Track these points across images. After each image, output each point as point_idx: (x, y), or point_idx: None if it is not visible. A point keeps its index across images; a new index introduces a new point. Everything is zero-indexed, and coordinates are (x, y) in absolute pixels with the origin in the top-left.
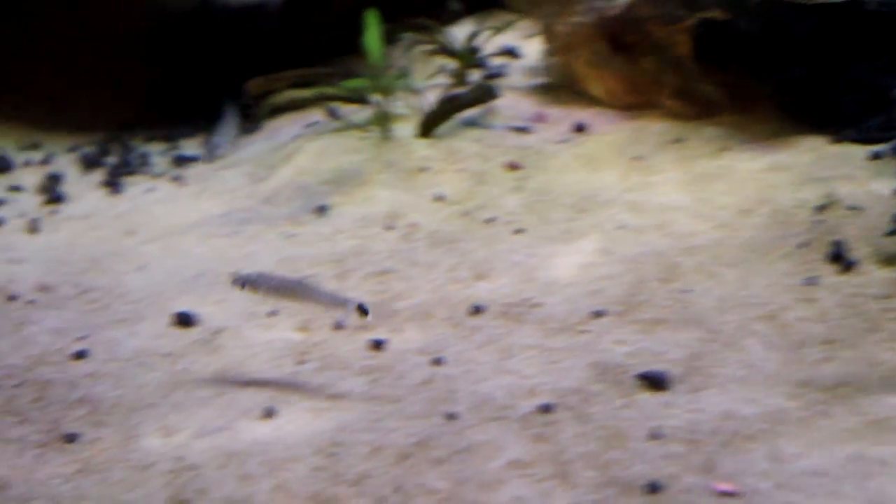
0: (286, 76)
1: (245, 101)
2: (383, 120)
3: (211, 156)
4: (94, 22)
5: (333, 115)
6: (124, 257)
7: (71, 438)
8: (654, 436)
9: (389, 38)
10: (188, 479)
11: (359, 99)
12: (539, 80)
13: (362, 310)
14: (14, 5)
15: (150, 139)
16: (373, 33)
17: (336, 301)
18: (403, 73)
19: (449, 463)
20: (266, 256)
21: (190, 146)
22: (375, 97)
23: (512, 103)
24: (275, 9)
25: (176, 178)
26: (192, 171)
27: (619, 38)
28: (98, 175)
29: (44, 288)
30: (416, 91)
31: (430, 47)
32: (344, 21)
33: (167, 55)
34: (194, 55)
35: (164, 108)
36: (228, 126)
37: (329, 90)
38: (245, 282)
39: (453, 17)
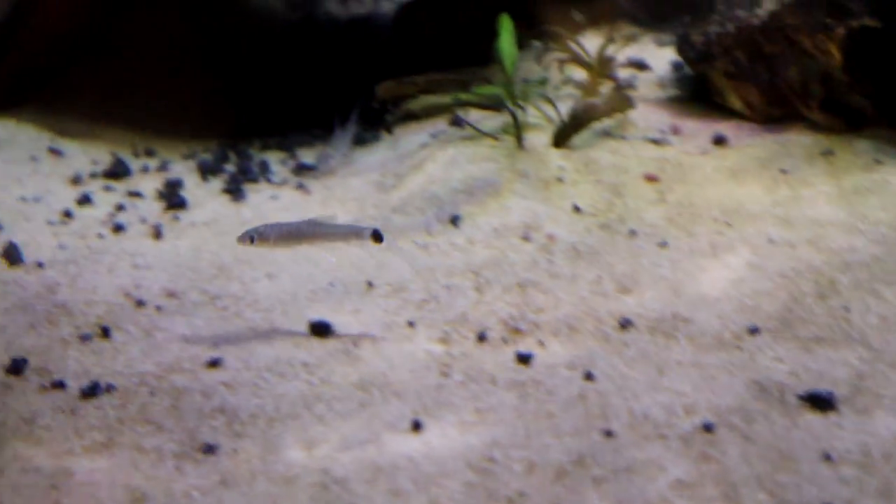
0: (418, 81)
1: (373, 105)
2: (517, 128)
3: (324, 168)
4: (203, 32)
5: (457, 123)
6: (252, 265)
7: (209, 449)
8: (825, 458)
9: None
10: (336, 495)
11: (495, 106)
12: (672, 92)
13: (377, 236)
14: (126, 12)
15: (265, 148)
16: (506, 39)
17: (351, 231)
18: (543, 81)
19: (609, 482)
20: (399, 265)
21: (308, 155)
22: (511, 105)
23: (645, 115)
24: (388, 19)
25: (299, 187)
26: (314, 179)
27: (760, 48)
28: (217, 182)
29: (171, 294)
30: (549, 100)
31: (560, 56)
32: (465, 31)
33: (274, 67)
34: (301, 66)
35: (274, 118)
36: (341, 140)
37: (464, 96)
38: (254, 235)
39: (577, 29)
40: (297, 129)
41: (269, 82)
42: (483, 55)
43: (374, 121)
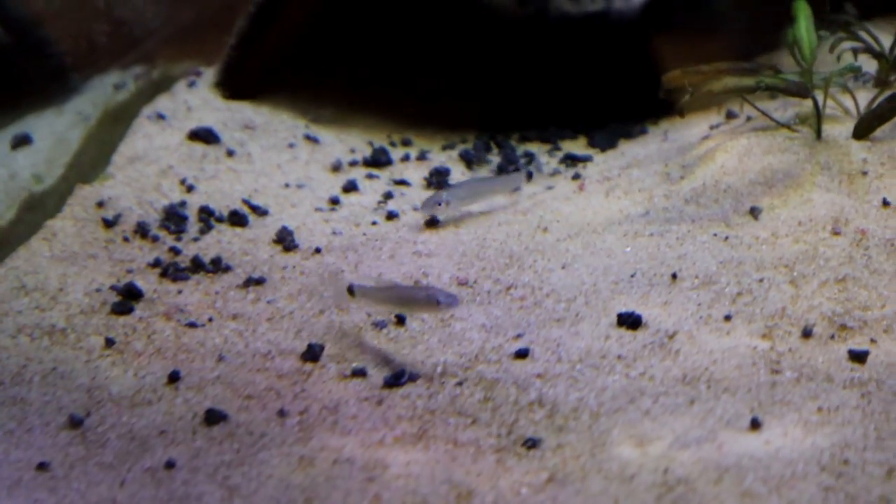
0: (703, 70)
1: (659, 94)
2: (818, 118)
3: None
4: (442, 24)
5: (731, 116)
6: (544, 254)
7: (532, 444)
8: None
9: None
10: (681, 495)
11: (798, 92)
12: None
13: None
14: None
15: (524, 139)
16: (804, 25)
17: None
18: (853, 68)
19: None
20: (703, 257)
21: (574, 146)
22: (813, 91)
23: None
24: (629, 14)
25: (576, 177)
26: (588, 170)
27: None
28: (483, 172)
29: (463, 282)
30: (847, 90)
31: (853, 45)
32: (720, 20)
33: (513, 62)
34: (540, 62)
35: (522, 112)
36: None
37: (769, 80)
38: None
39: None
40: (552, 122)
41: (513, 78)
42: (745, 48)
43: (636, 115)
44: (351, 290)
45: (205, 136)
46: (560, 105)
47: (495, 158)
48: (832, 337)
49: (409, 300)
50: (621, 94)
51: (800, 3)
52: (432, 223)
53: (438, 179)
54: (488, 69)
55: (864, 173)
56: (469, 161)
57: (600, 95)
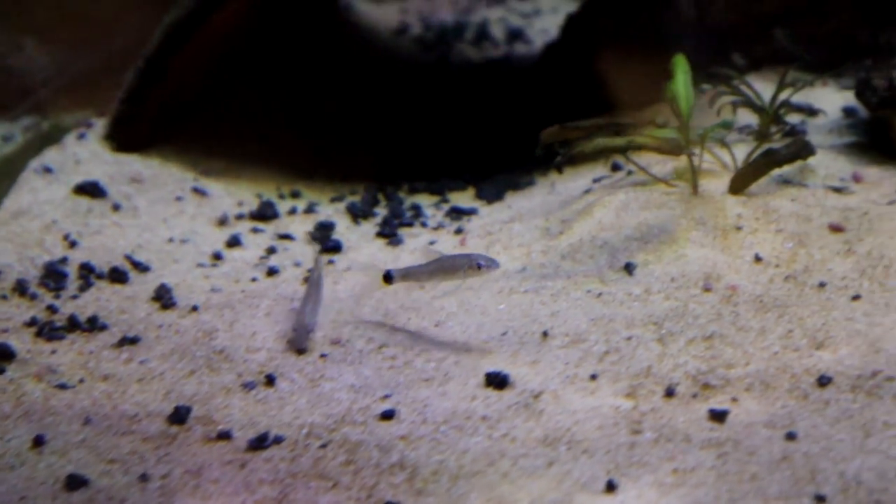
0: (582, 125)
1: (536, 151)
2: (693, 173)
3: (298, 343)
4: (342, 73)
5: (616, 169)
6: (419, 312)
7: None
8: None
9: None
10: None
11: (671, 149)
12: (847, 139)
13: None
14: (266, 53)
15: (413, 191)
16: (681, 80)
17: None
18: (727, 124)
19: None
20: (574, 315)
21: (461, 199)
22: (688, 149)
23: (824, 162)
24: (528, 62)
25: (458, 231)
26: (472, 223)
27: None
28: (369, 226)
29: (336, 342)
30: (724, 145)
31: (732, 99)
32: (611, 71)
33: (413, 110)
34: (439, 109)
35: (418, 163)
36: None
37: (640, 139)
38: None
39: (740, 72)
40: (445, 173)
41: (410, 126)
42: (633, 100)
43: (527, 165)
44: (387, 278)
45: (91, 190)
46: (453, 155)
47: (383, 211)
48: (694, 396)
49: (453, 268)
50: (514, 144)
51: (679, 58)
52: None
53: (322, 234)
54: (386, 117)
55: (739, 228)
56: (355, 215)
57: (494, 145)
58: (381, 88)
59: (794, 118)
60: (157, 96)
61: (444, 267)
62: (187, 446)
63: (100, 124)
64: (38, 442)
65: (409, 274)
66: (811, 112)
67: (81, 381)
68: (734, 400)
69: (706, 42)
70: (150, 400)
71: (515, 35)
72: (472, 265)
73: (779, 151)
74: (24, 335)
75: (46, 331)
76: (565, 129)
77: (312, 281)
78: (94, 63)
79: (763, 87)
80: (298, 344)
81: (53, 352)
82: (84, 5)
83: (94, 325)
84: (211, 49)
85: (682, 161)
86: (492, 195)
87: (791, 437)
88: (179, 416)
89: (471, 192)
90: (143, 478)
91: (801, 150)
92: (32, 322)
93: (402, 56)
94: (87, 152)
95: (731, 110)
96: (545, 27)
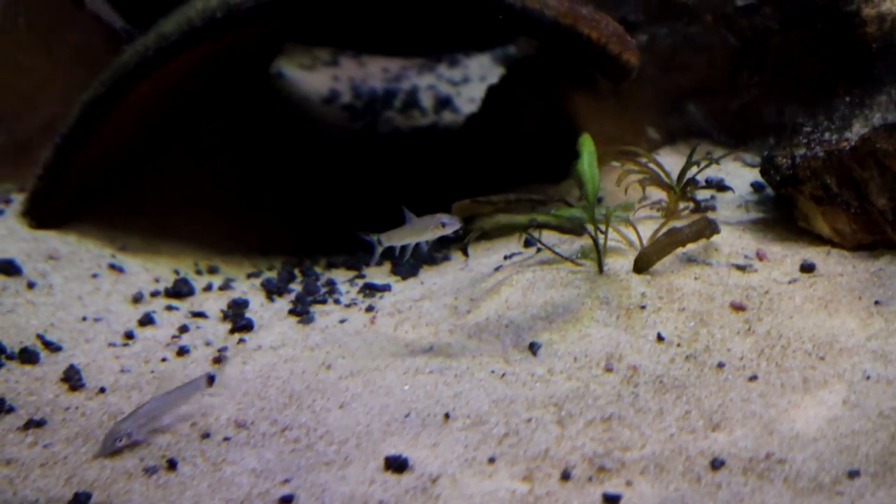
0: (493, 200)
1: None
2: (598, 253)
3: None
4: (263, 145)
5: (530, 244)
6: (323, 393)
7: None
8: None
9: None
10: None
11: (573, 229)
12: (754, 215)
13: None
14: (185, 127)
15: (330, 266)
16: (587, 161)
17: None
18: (627, 206)
19: None
20: (477, 396)
21: (377, 275)
22: (591, 227)
23: (729, 239)
24: (451, 131)
25: (369, 309)
26: (384, 300)
27: (850, 173)
28: (283, 303)
29: (240, 424)
30: (631, 224)
31: (640, 176)
32: (531, 144)
33: (336, 179)
34: (363, 179)
35: (339, 235)
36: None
37: (542, 218)
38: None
39: (653, 147)
40: (363, 246)
41: (333, 196)
42: (554, 170)
43: (444, 239)
44: (379, 242)
45: (6, 268)
46: (375, 226)
47: (298, 287)
48: (590, 479)
49: (423, 227)
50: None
51: (585, 138)
52: (218, 361)
53: (235, 311)
54: (310, 188)
55: (643, 307)
56: (270, 291)
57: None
58: (307, 157)
59: (705, 194)
60: (74, 172)
61: (416, 227)
62: None
63: (19, 200)
64: None
65: (392, 236)
66: (721, 188)
67: None
68: (628, 483)
69: (621, 116)
70: (51, 485)
71: (444, 103)
72: (438, 224)
73: (682, 230)
74: None
75: None
76: (476, 204)
77: (170, 390)
78: (16, 136)
79: (676, 160)
80: (103, 447)
81: None
82: (6, 77)
83: (1, 408)
84: (130, 123)
85: (588, 240)
86: (406, 271)
87: None
88: (79, 501)
89: (387, 267)
90: None
91: (705, 228)
92: None
93: (329, 124)
94: (3, 229)
95: (641, 188)
96: (472, 95)
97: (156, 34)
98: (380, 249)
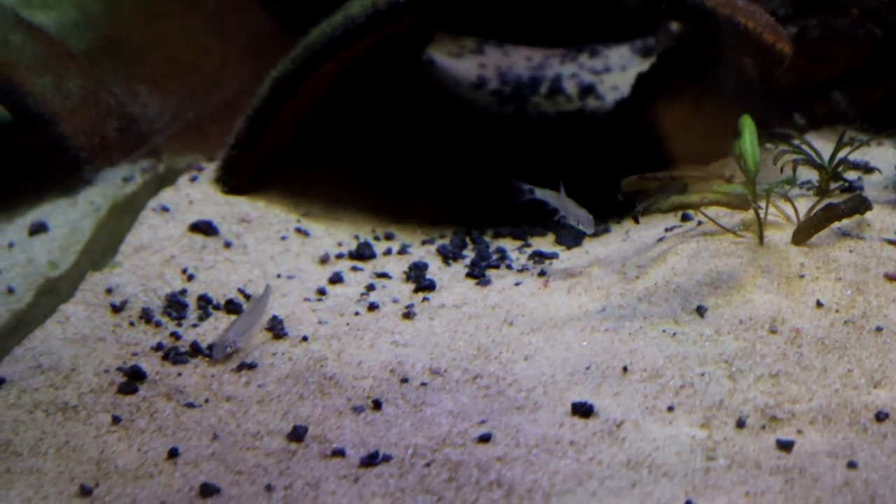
0: (659, 176)
1: (618, 197)
2: (760, 226)
3: (218, 354)
4: (425, 125)
5: (686, 219)
6: (508, 346)
7: None
8: None
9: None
10: None
11: (740, 205)
12: None
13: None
14: (354, 105)
15: (497, 236)
16: (748, 139)
17: None
18: (791, 180)
19: None
20: (651, 353)
21: (542, 244)
22: (754, 204)
23: (880, 216)
24: (600, 116)
25: (542, 273)
26: (554, 267)
27: None
28: (458, 267)
29: (435, 372)
30: (788, 199)
31: (794, 157)
32: (681, 128)
33: (493, 160)
34: (518, 159)
35: (500, 209)
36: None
37: (710, 195)
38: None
39: (798, 132)
40: (524, 219)
41: (490, 174)
42: (702, 153)
43: (601, 213)
44: (532, 191)
45: (204, 228)
46: (532, 202)
47: (471, 254)
48: (763, 427)
49: (569, 208)
50: (589, 193)
51: (745, 118)
52: (407, 316)
53: (416, 273)
54: (468, 166)
55: (801, 276)
56: (445, 256)
57: (569, 194)
58: (462, 139)
59: (851, 175)
60: (263, 144)
61: (565, 202)
62: (306, 462)
63: (209, 168)
64: (173, 454)
65: (546, 193)
66: (867, 169)
67: (207, 401)
68: (799, 432)
69: (768, 102)
70: (269, 420)
71: (587, 91)
72: (579, 216)
73: (838, 206)
74: (152, 359)
75: (172, 355)
76: (643, 180)
77: (250, 306)
78: (202, 111)
79: (822, 145)
80: (215, 354)
81: (179, 374)
82: (193, 57)
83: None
84: (310, 101)
85: (748, 214)
86: (570, 241)
87: (852, 465)
88: (298, 434)
89: (551, 237)
90: (269, 488)
91: (860, 205)
92: (159, 347)
93: (479, 108)
94: (199, 193)
95: (793, 168)
96: (615, 84)
97: (343, 16)
98: (527, 197)
